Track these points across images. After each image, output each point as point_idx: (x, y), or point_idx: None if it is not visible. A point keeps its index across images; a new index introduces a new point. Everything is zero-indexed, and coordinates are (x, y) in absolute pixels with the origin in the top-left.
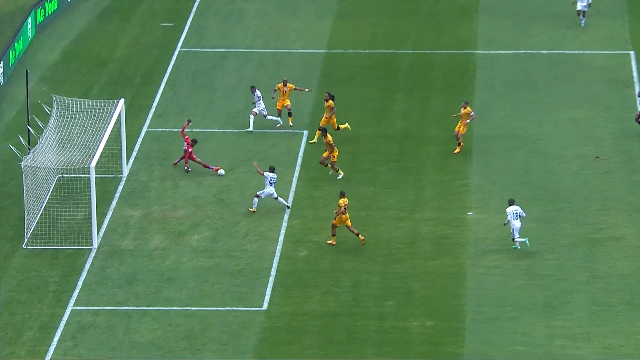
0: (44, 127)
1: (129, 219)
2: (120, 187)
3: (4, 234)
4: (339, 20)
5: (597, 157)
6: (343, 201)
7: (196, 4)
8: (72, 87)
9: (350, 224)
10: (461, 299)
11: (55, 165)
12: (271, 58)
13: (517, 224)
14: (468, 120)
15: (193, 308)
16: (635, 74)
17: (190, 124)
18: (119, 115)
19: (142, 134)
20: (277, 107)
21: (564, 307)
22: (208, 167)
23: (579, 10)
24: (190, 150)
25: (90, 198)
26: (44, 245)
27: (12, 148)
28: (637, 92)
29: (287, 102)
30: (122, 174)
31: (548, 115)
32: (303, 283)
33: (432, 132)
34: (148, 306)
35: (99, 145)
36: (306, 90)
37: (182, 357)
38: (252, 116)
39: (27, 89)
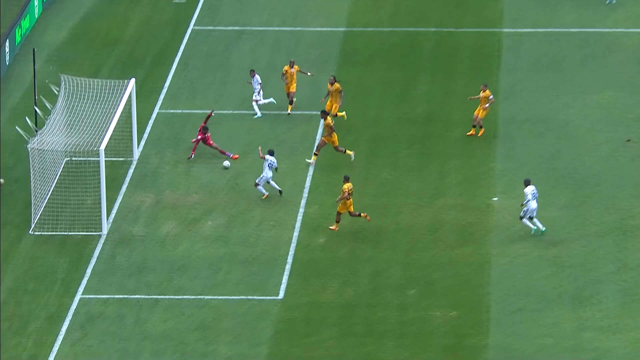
0: (52, 108)
1: (140, 204)
2: (131, 171)
3: (10, 220)
4: None
5: (629, 140)
6: (347, 186)
7: None
8: (80, 68)
9: (353, 210)
10: (485, 289)
11: (63, 148)
12: (288, 37)
13: (534, 204)
14: (487, 105)
15: (206, 297)
16: None
17: (213, 114)
18: (130, 95)
19: (154, 116)
20: (286, 92)
21: (592, 297)
22: (225, 154)
23: None
24: (199, 137)
25: (100, 182)
26: (51, 232)
27: (19, 130)
28: None
29: (293, 88)
30: (132, 158)
31: (577, 97)
32: (320, 272)
33: (456, 115)
34: (159, 295)
35: (108, 127)
36: (308, 74)
37: (195, 349)
38: (254, 103)
39: (34, 68)
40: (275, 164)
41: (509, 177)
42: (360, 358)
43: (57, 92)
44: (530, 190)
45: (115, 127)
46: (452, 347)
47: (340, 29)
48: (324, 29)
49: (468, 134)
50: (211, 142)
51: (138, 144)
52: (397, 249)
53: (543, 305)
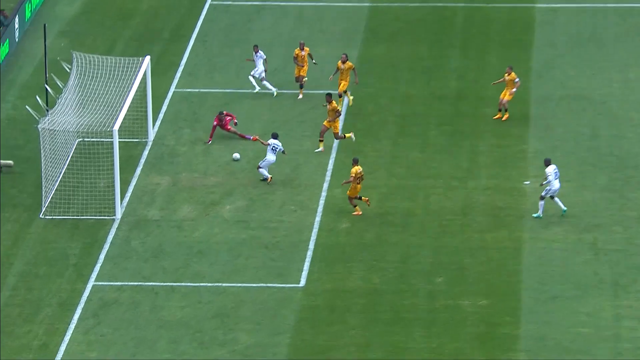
0: (63, 87)
1: (156, 186)
2: (146, 152)
3: (20, 202)
4: None
5: None
6: (356, 169)
7: None
8: (94, 43)
9: (358, 196)
10: (519, 275)
11: (75, 128)
12: (311, 11)
13: (556, 184)
14: (514, 90)
15: (225, 284)
16: None
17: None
18: (145, 73)
19: (170, 94)
20: (296, 75)
21: (633, 285)
22: (245, 137)
23: None
24: (215, 123)
25: (114, 164)
26: (63, 215)
27: (29, 109)
28: None
29: (304, 72)
30: (147, 138)
31: (616, 74)
32: (345, 257)
33: (488, 93)
34: (176, 282)
35: (122, 106)
36: (313, 62)
37: (213, 337)
38: (266, 83)
39: (44, 44)
40: (281, 147)
41: (543, 158)
42: (386, 347)
43: (68, 70)
44: (551, 169)
45: (129, 106)
46: (483, 336)
47: (365, 4)
48: (349, 4)
49: (495, 117)
50: (229, 127)
51: (153, 124)
52: (426, 233)
53: (580, 293)
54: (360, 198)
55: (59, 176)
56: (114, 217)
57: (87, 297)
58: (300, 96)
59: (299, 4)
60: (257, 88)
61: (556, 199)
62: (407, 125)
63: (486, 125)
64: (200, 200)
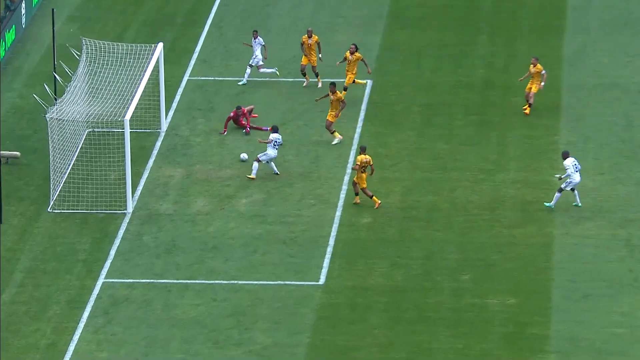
0: (72, 74)
1: (168, 179)
2: (159, 143)
3: (27, 195)
4: None
5: None
6: (360, 158)
7: None
8: (104, 28)
9: (365, 186)
10: (549, 273)
11: (84, 117)
12: None
13: (577, 177)
14: (542, 84)
15: (241, 282)
16: None
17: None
18: (158, 60)
19: (184, 82)
20: (302, 63)
21: None
22: (261, 129)
23: None
24: (232, 115)
25: (125, 156)
26: (72, 209)
27: (37, 98)
28: None
29: (314, 59)
30: (160, 128)
31: None
32: (366, 254)
33: (517, 82)
34: (190, 279)
35: (134, 95)
36: (319, 55)
37: (229, 337)
38: (264, 70)
39: (53, 30)
40: (280, 140)
41: (575, 150)
42: (409, 348)
43: (78, 57)
44: (570, 162)
45: (141, 95)
46: (512, 336)
47: None
48: None
49: (524, 110)
50: (243, 121)
51: (166, 114)
52: (452, 229)
53: (613, 291)
54: (371, 197)
55: (67, 168)
56: (125, 211)
57: (97, 294)
58: (320, 85)
59: None
60: (244, 81)
61: (576, 192)
62: (432, 115)
63: (515, 115)
64: (215, 193)
